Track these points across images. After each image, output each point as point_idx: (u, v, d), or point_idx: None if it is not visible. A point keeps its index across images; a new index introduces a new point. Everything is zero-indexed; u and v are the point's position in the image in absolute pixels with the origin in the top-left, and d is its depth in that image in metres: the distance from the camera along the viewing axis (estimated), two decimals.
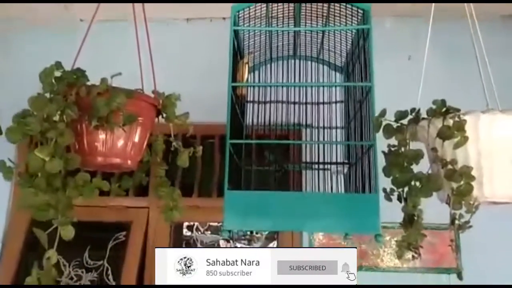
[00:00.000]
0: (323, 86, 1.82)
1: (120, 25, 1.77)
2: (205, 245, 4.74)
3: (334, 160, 1.87)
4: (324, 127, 1.90)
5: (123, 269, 2.23)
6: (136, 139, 1.16)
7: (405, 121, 1.19)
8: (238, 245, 5.17)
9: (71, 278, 2.29)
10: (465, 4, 1.26)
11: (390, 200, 1.20)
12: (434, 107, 1.07)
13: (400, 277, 2.21)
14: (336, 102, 1.92)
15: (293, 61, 1.96)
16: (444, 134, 1.02)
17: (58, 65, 1.08)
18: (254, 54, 1.87)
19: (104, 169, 1.25)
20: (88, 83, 1.12)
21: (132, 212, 2.34)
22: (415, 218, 1.13)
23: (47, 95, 1.07)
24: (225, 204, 1.32)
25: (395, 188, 1.18)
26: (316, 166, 1.90)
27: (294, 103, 1.85)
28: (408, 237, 1.11)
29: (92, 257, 2.34)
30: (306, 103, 1.83)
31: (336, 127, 1.94)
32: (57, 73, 1.10)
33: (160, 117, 1.30)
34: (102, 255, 2.33)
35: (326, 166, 1.89)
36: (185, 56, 2.39)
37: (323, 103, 1.84)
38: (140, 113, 1.13)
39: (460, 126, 1.01)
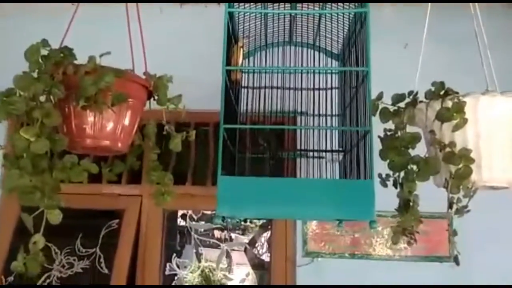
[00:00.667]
0: (319, 71, 1.78)
1: (112, 9, 1.72)
2: (199, 234, 4.73)
3: (329, 147, 1.84)
4: (319, 115, 1.87)
5: (116, 257, 2.19)
6: (126, 121, 1.11)
7: (402, 105, 1.15)
8: (233, 235, 5.17)
9: (63, 266, 2.25)
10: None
11: (385, 185, 1.17)
12: (432, 89, 1.03)
13: (393, 265, 2.19)
14: (331, 89, 1.88)
15: (288, 47, 1.92)
16: (443, 116, 0.98)
17: (44, 43, 1.03)
18: (249, 39, 1.83)
19: (93, 152, 1.20)
20: (77, 63, 1.07)
21: (124, 199, 2.30)
22: (411, 203, 1.10)
23: (33, 74, 1.02)
24: (218, 190, 1.28)
25: (390, 174, 1.16)
26: (311, 153, 1.87)
27: (290, 89, 1.81)
28: (403, 222, 1.08)
29: (84, 245, 2.31)
30: (301, 89, 1.79)
31: (332, 115, 1.90)
32: (44, 52, 1.05)
33: (152, 101, 1.26)
34: (95, 242, 2.30)
35: (321, 154, 1.86)
36: (179, 42, 2.34)
37: (319, 89, 1.80)
38: (130, 94, 1.08)
39: (459, 108, 0.97)
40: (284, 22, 1.81)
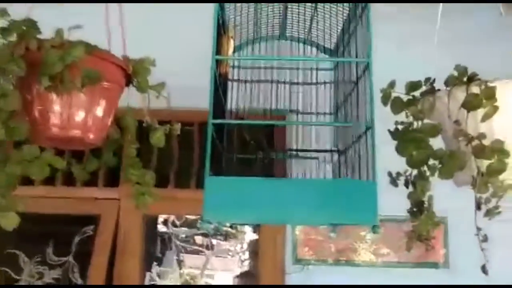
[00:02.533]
0: (317, 63, 1.64)
1: None
2: (181, 240, 4.53)
3: (322, 147, 1.69)
4: (311, 113, 1.72)
5: (91, 266, 1.99)
6: (100, 108, 0.93)
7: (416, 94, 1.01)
8: (214, 240, 4.99)
9: (32, 276, 2.03)
10: None
11: (396, 185, 1.02)
12: (455, 74, 0.89)
13: (385, 271, 2.05)
14: (326, 83, 1.74)
15: (280, 41, 1.78)
16: (470, 104, 0.84)
17: (3, 12, 0.85)
18: (241, 28, 1.68)
19: (61, 145, 1.00)
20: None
21: (101, 204, 2.09)
22: (425, 205, 0.96)
23: None
24: (205, 192, 1.12)
25: (401, 172, 1.01)
26: (305, 154, 1.73)
27: (280, 82, 1.66)
28: (418, 227, 0.93)
29: (56, 253, 2.10)
30: (294, 83, 1.64)
31: (325, 113, 1.76)
32: (3, 23, 0.86)
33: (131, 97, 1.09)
34: (68, 251, 2.10)
35: (314, 154, 1.72)
36: (161, 36, 2.15)
37: (316, 83, 1.65)
38: (105, 76, 0.90)
39: (489, 94, 0.83)
40: (279, 14, 1.67)
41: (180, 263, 4.62)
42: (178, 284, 3.81)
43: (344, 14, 1.51)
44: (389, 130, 1.04)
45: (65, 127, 0.88)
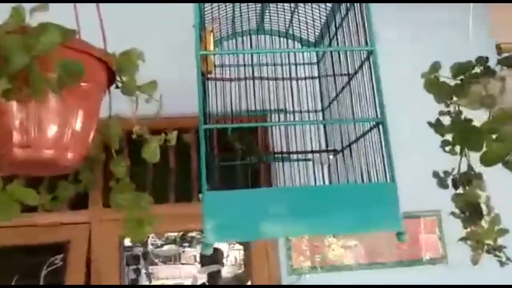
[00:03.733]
0: (308, 52, 1.46)
1: None
2: (152, 253, 4.25)
3: (307, 148, 1.50)
4: (298, 111, 1.52)
5: None
6: (79, 117, 0.67)
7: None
8: (181, 248, 4.74)
9: None
10: None
11: (445, 186, 0.84)
12: None
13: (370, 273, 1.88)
14: (305, 78, 1.54)
15: (258, 36, 1.57)
16: None
17: None
18: (219, 23, 1.45)
19: (28, 172, 0.72)
20: None
21: (69, 229, 1.78)
22: (485, 208, 0.78)
23: None
24: (205, 210, 0.90)
25: (449, 171, 0.83)
26: (295, 156, 1.53)
27: (263, 78, 1.46)
28: (482, 235, 0.74)
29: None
30: (274, 78, 1.44)
31: (315, 110, 1.57)
32: None
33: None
34: (35, 285, 1.76)
35: (303, 156, 1.53)
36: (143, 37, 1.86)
37: (295, 78, 1.45)
38: (84, 74, 0.64)
39: None
40: (256, 8, 1.46)
41: (150, 276, 4.36)
42: None
43: (328, 6, 1.34)
44: (429, 123, 0.85)
45: (34, 146, 0.61)
